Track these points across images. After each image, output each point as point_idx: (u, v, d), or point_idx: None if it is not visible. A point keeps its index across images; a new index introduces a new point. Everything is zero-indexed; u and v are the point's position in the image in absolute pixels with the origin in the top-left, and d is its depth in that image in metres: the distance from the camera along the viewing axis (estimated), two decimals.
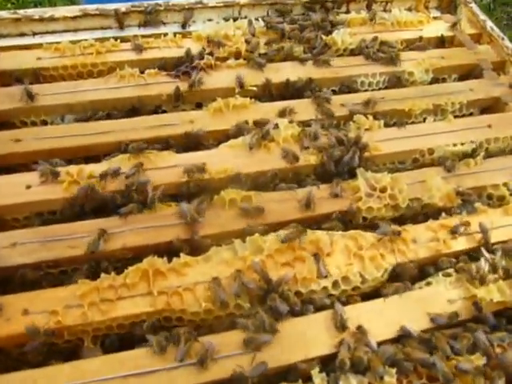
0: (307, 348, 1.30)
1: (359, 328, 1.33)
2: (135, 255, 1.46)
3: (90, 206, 1.52)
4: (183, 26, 2.07)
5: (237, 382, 1.23)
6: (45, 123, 1.78)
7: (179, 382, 1.22)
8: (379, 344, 1.32)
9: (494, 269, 1.49)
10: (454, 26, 2.25)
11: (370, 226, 1.62)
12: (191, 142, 1.72)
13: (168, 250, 1.47)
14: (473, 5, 2.34)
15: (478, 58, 2.14)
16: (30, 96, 1.73)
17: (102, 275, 1.37)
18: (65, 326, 1.29)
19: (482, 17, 2.29)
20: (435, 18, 2.33)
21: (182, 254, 1.43)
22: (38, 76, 1.85)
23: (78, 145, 1.67)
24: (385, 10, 2.34)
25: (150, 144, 1.68)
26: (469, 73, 2.14)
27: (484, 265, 1.49)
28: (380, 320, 1.37)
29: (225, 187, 1.60)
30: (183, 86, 1.84)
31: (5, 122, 1.75)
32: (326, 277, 1.43)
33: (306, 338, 1.32)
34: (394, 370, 1.25)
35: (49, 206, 1.55)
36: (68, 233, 1.46)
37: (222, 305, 1.35)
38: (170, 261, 1.42)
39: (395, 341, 1.35)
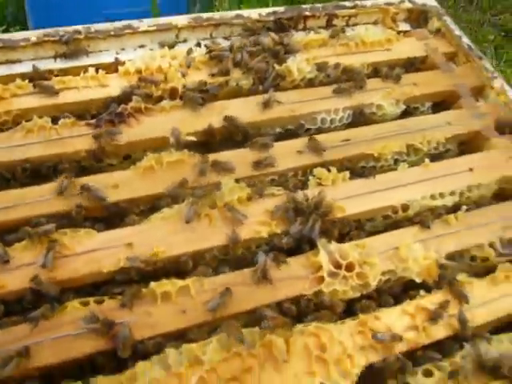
0: None
1: None
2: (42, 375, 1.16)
3: None
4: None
5: None
6: None
7: None
8: None
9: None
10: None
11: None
12: (114, 214, 1.40)
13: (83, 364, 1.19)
14: (447, 18, 2.04)
15: (455, 82, 1.86)
16: None
17: None
18: None
19: (458, 32, 2.00)
20: (405, 33, 2.03)
21: (99, 377, 1.14)
22: None
23: None
24: (347, 25, 2.03)
25: (61, 219, 1.36)
26: (444, 99, 1.87)
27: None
28: None
29: (158, 274, 1.32)
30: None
31: None
32: None
33: None
34: None
35: None
36: None
37: None
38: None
39: None
